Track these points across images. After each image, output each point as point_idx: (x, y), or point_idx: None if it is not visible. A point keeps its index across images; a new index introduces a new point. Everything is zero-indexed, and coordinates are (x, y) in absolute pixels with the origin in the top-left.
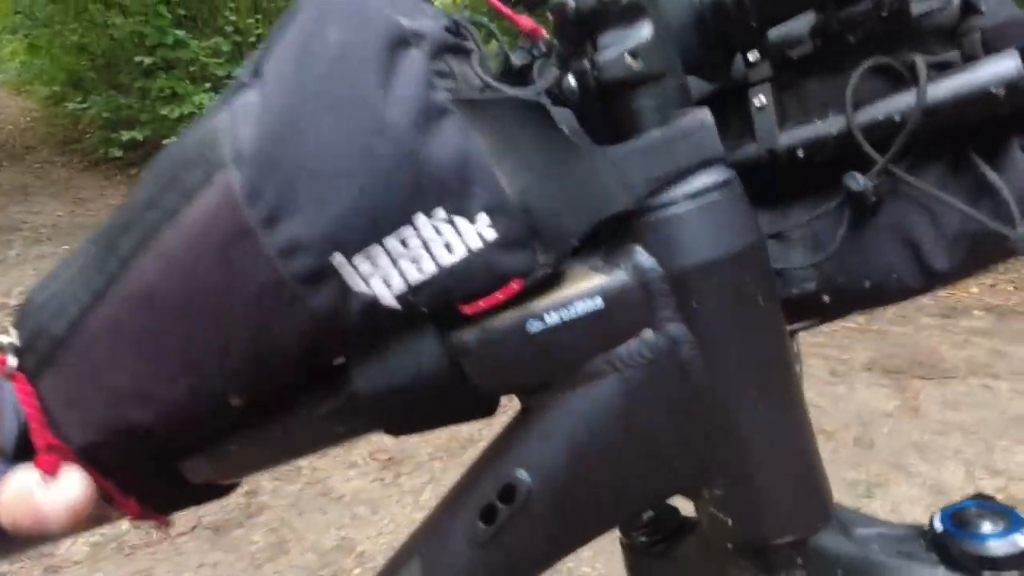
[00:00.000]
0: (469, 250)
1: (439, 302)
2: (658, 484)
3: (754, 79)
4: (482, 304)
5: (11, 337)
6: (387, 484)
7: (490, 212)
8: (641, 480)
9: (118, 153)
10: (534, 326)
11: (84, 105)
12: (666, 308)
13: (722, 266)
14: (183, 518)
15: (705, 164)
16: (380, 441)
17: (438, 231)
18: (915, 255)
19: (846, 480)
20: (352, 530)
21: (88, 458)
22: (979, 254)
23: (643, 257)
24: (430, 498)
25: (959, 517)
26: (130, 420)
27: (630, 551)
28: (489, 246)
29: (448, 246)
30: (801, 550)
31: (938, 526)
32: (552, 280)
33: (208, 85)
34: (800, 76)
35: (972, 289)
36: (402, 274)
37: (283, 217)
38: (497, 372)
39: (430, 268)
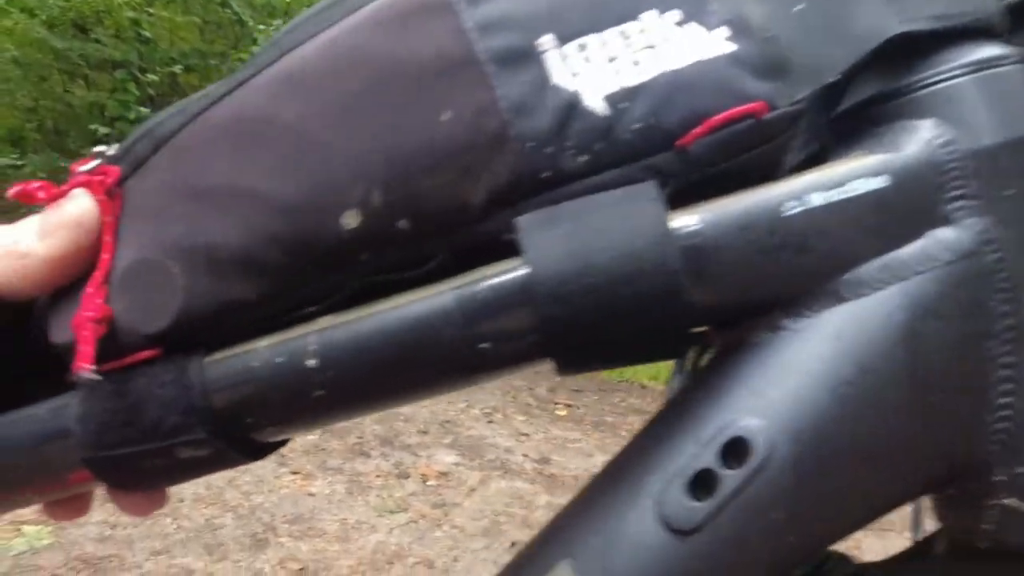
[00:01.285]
0: (702, 58)
1: (654, 121)
2: (942, 446)
3: None
4: (713, 121)
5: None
6: None
7: (731, 26)
8: (920, 440)
9: None
10: (791, 207)
11: (19, 162)
12: (965, 197)
13: None
14: None
15: (987, 31)
16: (292, 547)
17: (667, 34)
18: None
19: None
20: None
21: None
22: None
23: (939, 130)
24: None
25: None
26: (210, 234)
27: None
28: (727, 58)
29: (678, 49)
30: None
31: None
32: (810, 155)
33: None
34: None
35: None
36: (617, 73)
37: None
38: (732, 270)
39: (652, 69)
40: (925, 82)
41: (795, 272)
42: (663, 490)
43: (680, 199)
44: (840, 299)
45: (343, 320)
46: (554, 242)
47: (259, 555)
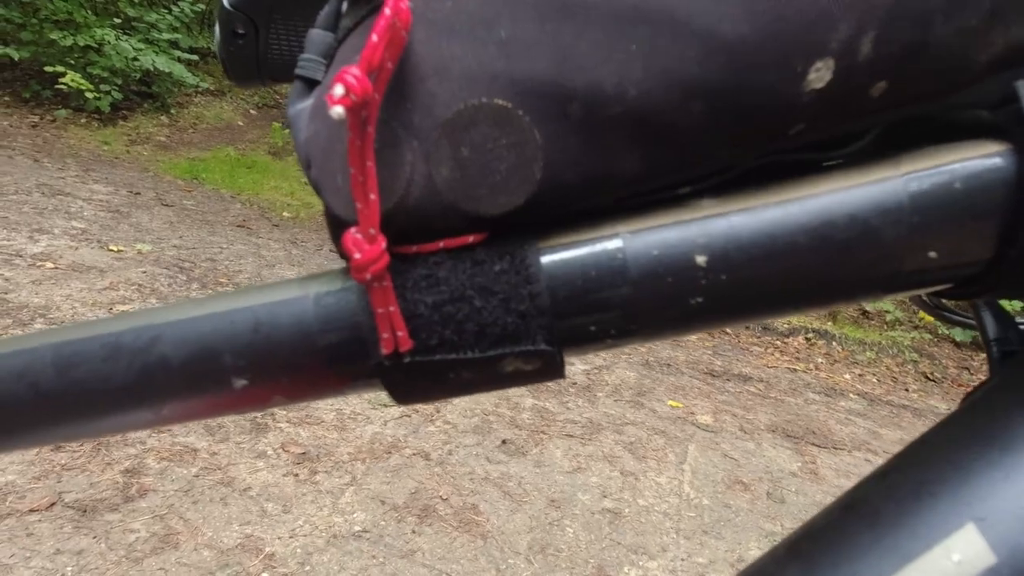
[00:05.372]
0: None
1: None
2: None
3: None
4: None
5: None
6: (301, 481)
7: None
8: None
9: None
10: None
11: None
12: None
13: None
14: (36, 491)
15: None
16: (292, 432)
17: None
18: None
19: (763, 530)
20: (260, 528)
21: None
22: None
23: None
24: (351, 502)
25: None
26: (593, 74)
27: None
28: None
29: None
30: None
31: None
32: None
33: (116, 21)
34: None
35: (845, 376)
36: None
37: None
38: None
39: None
40: None
41: None
42: None
43: None
44: None
45: (741, 207)
46: None
47: (261, 438)
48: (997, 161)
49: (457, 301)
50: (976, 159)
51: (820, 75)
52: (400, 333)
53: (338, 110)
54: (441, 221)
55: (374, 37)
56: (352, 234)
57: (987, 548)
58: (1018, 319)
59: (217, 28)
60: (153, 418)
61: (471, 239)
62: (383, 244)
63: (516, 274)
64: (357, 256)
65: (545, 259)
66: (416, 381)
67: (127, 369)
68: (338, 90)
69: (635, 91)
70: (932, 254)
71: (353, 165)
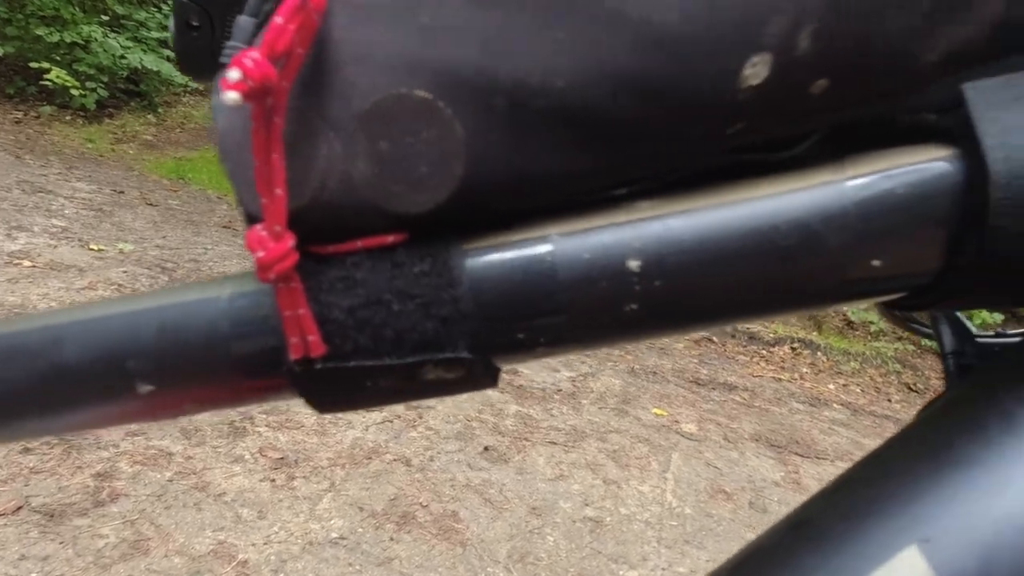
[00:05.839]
0: None
1: None
2: None
3: None
4: None
5: None
6: (278, 486)
7: None
8: None
9: None
10: None
11: None
12: None
13: None
14: (2, 495)
15: None
16: (271, 436)
17: None
18: None
19: (745, 540)
20: (233, 534)
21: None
22: None
23: None
24: (329, 508)
25: None
26: (522, 62)
27: None
28: None
29: None
30: None
31: None
32: None
33: (104, 19)
34: None
35: (829, 386)
36: None
37: None
38: None
39: None
40: None
41: None
42: None
43: None
44: None
45: (679, 209)
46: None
47: (238, 442)
48: (943, 166)
49: (374, 305)
50: (922, 163)
51: (756, 71)
52: (311, 338)
53: (231, 95)
54: (358, 219)
55: (279, 19)
56: (257, 231)
57: (929, 571)
58: (976, 332)
59: (172, 20)
60: (59, 424)
61: (391, 239)
62: (290, 242)
63: (438, 276)
64: (260, 254)
65: (469, 261)
66: (331, 388)
67: (25, 373)
68: (233, 74)
69: (562, 83)
70: (878, 263)
71: (258, 157)
